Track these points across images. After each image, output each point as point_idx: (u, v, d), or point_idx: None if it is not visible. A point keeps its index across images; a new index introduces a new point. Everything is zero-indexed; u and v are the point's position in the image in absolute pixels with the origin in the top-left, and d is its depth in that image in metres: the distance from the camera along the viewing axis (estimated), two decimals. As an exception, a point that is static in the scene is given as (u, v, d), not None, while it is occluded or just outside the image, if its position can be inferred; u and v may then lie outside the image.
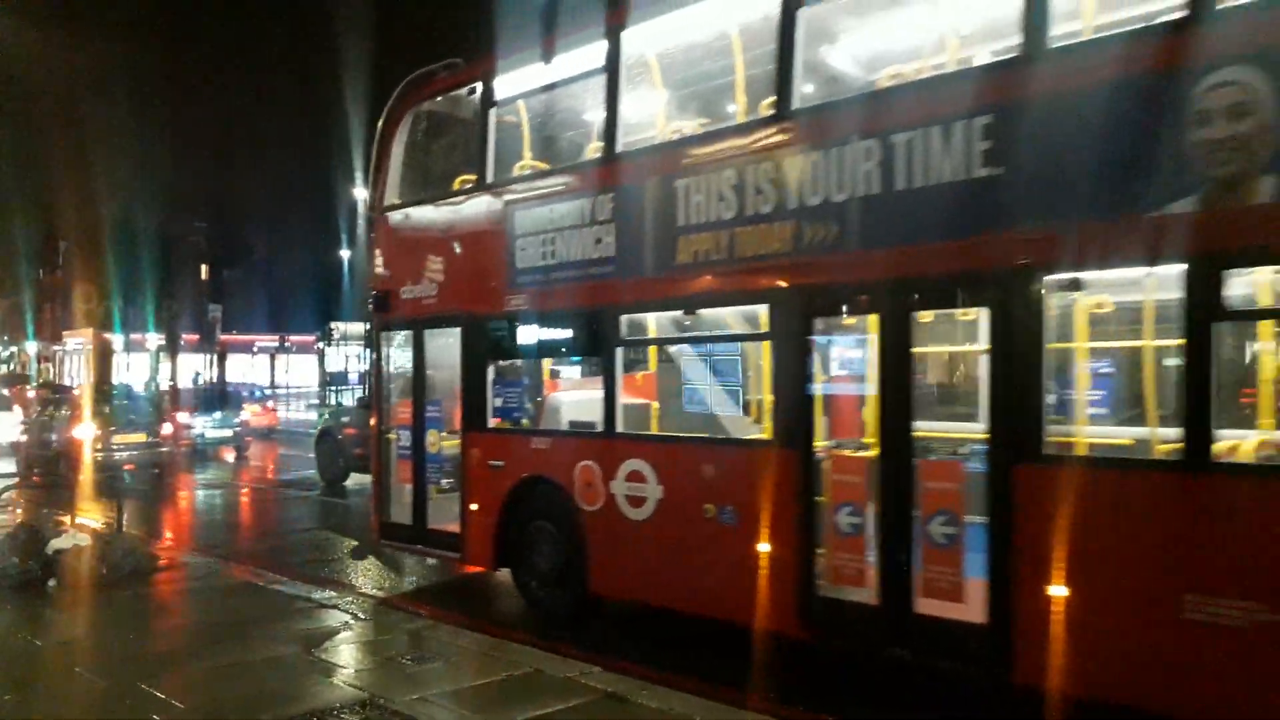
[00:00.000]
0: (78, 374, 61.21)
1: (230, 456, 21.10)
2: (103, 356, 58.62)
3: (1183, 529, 4.14)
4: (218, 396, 25.37)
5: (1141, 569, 4.24)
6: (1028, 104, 4.64)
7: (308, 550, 10.03)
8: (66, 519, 9.27)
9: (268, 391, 35.40)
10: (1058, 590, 4.43)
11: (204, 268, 49.72)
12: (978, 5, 5.28)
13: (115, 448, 15.51)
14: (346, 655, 5.89)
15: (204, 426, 21.64)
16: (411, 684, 5.19)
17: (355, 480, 14.73)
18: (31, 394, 23.99)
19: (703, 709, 4.75)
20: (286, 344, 58.72)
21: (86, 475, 12.51)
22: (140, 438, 16.19)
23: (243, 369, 57.59)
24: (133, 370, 56.13)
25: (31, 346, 74.15)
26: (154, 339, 56.05)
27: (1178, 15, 4.22)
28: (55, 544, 7.93)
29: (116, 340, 57.00)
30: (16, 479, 13.87)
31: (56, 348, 68.75)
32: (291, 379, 56.32)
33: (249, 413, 24.88)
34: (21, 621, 6.80)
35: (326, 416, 17.79)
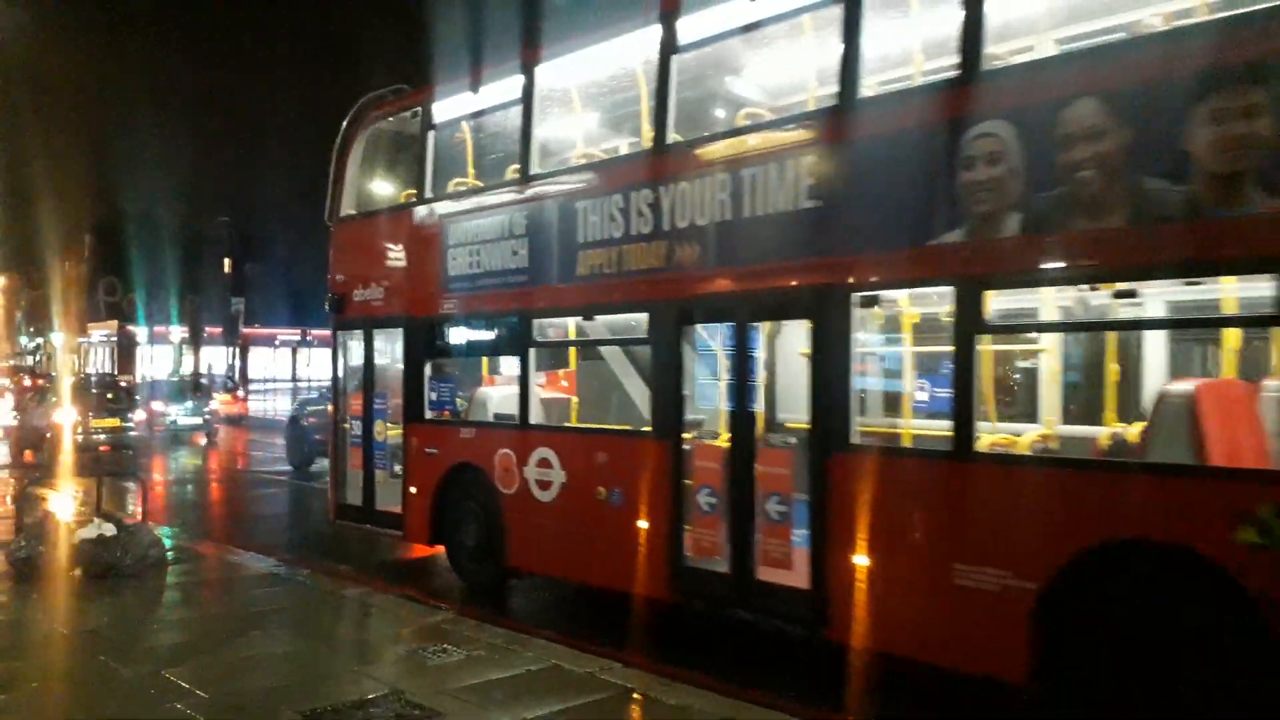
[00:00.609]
0: (102, 365, 62.55)
1: (202, 441, 22.98)
2: (126, 348, 59.96)
3: (952, 509, 5.00)
4: (190, 387, 27.29)
5: (922, 542, 5.10)
6: (839, 147, 5.49)
7: (326, 542, 10.04)
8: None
9: (237, 382, 37.89)
10: (861, 560, 5.30)
11: (227, 261, 50.69)
12: (805, 61, 6.09)
13: (93, 431, 17.28)
14: (368, 647, 6.04)
15: (176, 414, 23.61)
16: (432, 677, 5.22)
17: (319, 465, 16.01)
18: (28, 383, 25.70)
19: (722, 706, 4.77)
20: (308, 338, 60.15)
21: (67, 455, 13.73)
22: (114, 423, 18.03)
23: (265, 362, 58.89)
24: (156, 362, 57.35)
25: (58, 338, 75.62)
26: (177, 331, 57.31)
27: (951, 75, 5.05)
28: (81, 533, 7.92)
29: (140, 332, 58.26)
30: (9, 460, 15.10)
31: (82, 340, 69.93)
32: (313, 372, 57.65)
33: (218, 402, 27.02)
34: (47, 610, 6.92)
35: (297, 406, 19.22)
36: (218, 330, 52.34)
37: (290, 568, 8.24)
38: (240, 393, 33.10)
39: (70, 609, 6.97)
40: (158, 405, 22.51)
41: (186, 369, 49.64)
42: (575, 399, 7.61)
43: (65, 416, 16.44)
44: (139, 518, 8.85)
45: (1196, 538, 4.11)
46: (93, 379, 23.06)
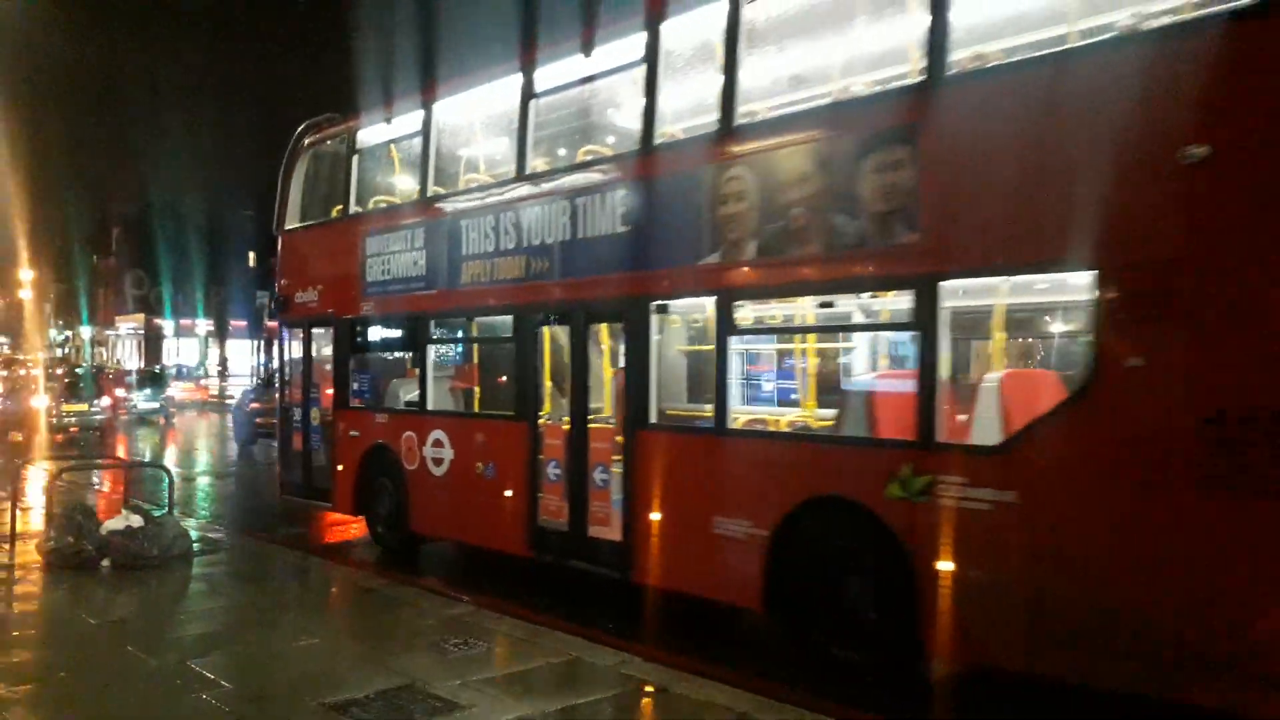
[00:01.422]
0: (129, 358, 64.49)
1: (160, 423, 27.00)
2: (153, 341, 61.87)
3: (712, 473, 6.37)
4: (150, 376, 31.35)
5: (693, 500, 6.46)
6: (640, 183, 6.85)
7: (337, 532, 10.47)
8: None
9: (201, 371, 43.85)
10: (653, 516, 6.68)
11: (252, 255, 52.27)
12: (625, 109, 7.41)
13: (64, 414, 20.11)
14: (389, 639, 6.08)
15: (137, 400, 27.61)
16: (453, 669, 5.29)
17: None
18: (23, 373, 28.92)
19: (742, 701, 4.84)
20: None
21: (41, 435, 15.87)
22: (83, 407, 20.75)
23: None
24: (182, 354, 59.15)
25: (86, 331, 77.63)
26: (203, 325, 59.07)
27: (715, 127, 6.40)
28: (109, 525, 8.12)
29: (167, 325, 60.10)
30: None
31: (109, 332, 71.69)
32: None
33: (181, 389, 32.32)
34: (76, 600, 7.09)
35: (242, 395, 22.50)
36: (243, 323, 53.91)
37: (315, 559, 8.60)
38: (204, 381, 37.81)
39: (98, 599, 7.16)
40: (121, 392, 25.52)
41: (212, 361, 51.78)
42: (465, 388, 9.03)
43: (40, 402, 18.92)
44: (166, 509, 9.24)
45: (864, 493, 5.46)
46: (65, 369, 26.28)
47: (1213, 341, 4.23)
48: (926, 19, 5.26)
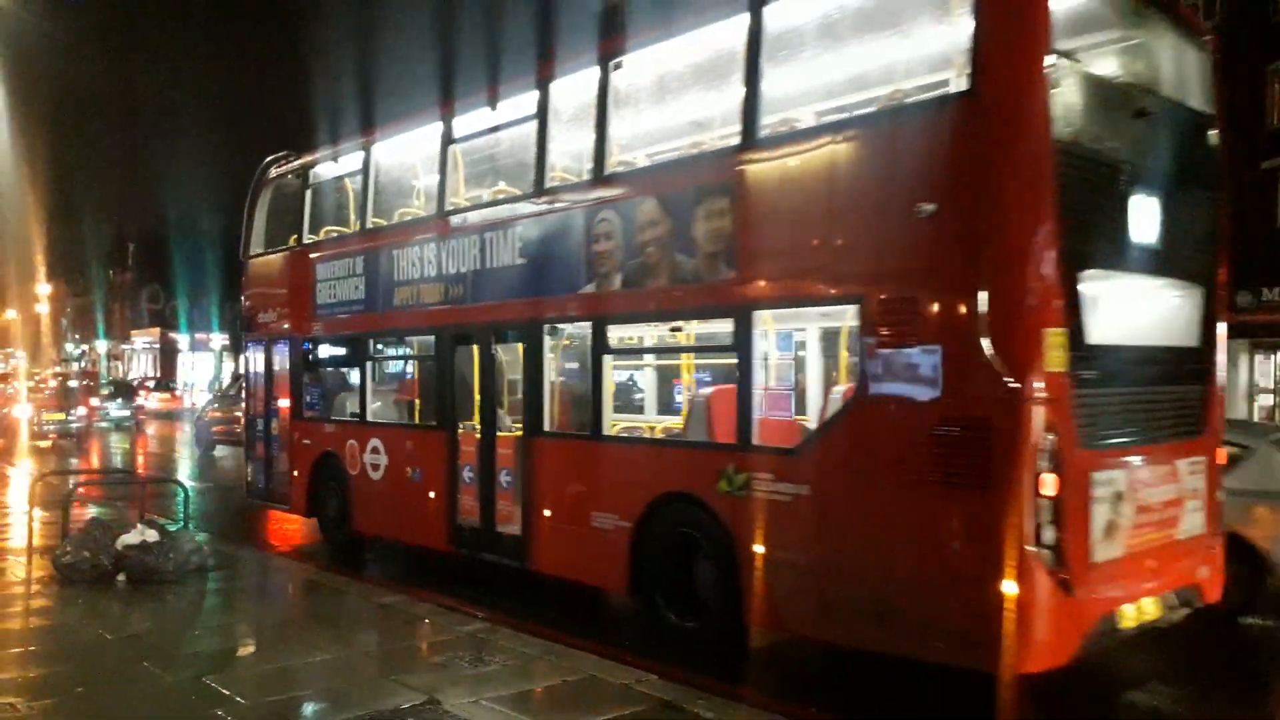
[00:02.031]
0: (145, 371, 65.90)
1: (131, 427, 30.51)
2: (168, 355, 63.24)
3: (590, 473, 7.43)
4: (122, 387, 35.72)
5: (575, 497, 7.52)
6: (533, 221, 7.93)
7: (356, 550, 10.46)
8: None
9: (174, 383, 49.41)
10: (546, 512, 7.74)
11: None
12: (521, 157, 8.46)
13: (45, 422, 23.19)
14: (406, 656, 6.17)
15: (111, 409, 31.10)
16: (469, 686, 5.33)
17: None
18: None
19: None
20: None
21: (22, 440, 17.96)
22: (61, 416, 23.72)
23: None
24: (198, 368, 60.49)
25: (102, 345, 79.12)
26: (218, 339, 60.37)
27: (588, 176, 7.47)
28: (125, 539, 8.17)
29: (182, 340, 61.49)
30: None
31: (125, 346, 73.07)
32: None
33: (156, 399, 37.55)
34: (92, 616, 7.12)
35: (202, 406, 25.74)
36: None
37: (329, 575, 8.58)
38: (178, 392, 42.63)
39: (114, 614, 7.22)
40: (96, 401, 28.72)
41: (227, 375, 53.37)
42: (397, 401, 10.12)
43: (22, 411, 20.84)
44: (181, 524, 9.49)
45: (702, 489, 6.50)
46: (50, 380, 29.73)
47: (937, 360, 5.27)
48: (741, 91, 6.33)
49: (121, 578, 8.01)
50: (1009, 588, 4.93)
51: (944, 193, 5.22)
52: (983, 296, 5.05)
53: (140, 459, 22.33)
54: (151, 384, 45.65)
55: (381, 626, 6.87)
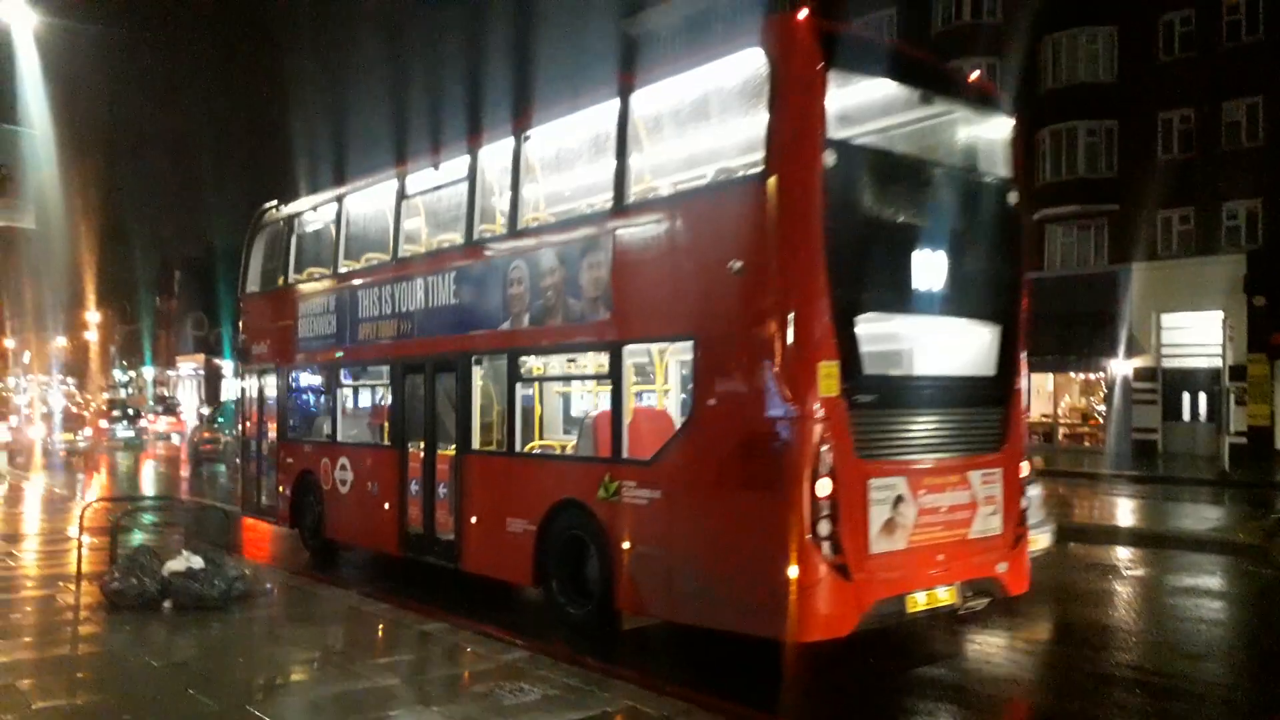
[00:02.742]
0: (189, 397, 68.59)
1: (137, 446, 34.15)
2: (211, 380, 65.77)
3: (506, 485, 8.77)
4: (127, 410, 39.28)
5: (493, 506, 8.85)
6: (464, 267, 9.35)
7: (393, 576, 10.67)
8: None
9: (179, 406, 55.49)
10: (472, 519, 9.08)
11: None
12: (454, 216, 9.88)
13: (57, 442, 26.74)
14: (446, 684, 6.30)
15: (117, 430, 34.76)
16: (509, 716, 5.46)
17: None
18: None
19: None
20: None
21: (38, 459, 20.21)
22: (71, 436, 27.74)
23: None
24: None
25: (148, 371, 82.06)
26: None
27: (502, 231, 8.88)
28: (171, 566, 8.34)
29: (226, 365, 64.08)
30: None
31: (170, 372, 75.84)
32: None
33: (165, 422, 41.30)
34: (139, 642, 7.26)
35: (194, 428, 29.84)
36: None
37: (372, 603, 8.70)
38: (182, 415, 46.37)
39: (160, 641, 7.36)
40: (104, 423, 32.75)
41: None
42: (362, 424, 11.57)
43: (37, 433, 23.40)
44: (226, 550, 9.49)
45: (587, 496, 7.81)
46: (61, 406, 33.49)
47: (744, 387, 6.56)
48: (613, 162, 7.71)
49: (168, 604, 8.17)
50: (792, 572, 6.17)
51: (747, 253, 6.54)
52: (774, 337, 6.35)
53: (141, 477, 24.83)
54: (161, 408, 51.11)
55: (421, 654, 6.99)
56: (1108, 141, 29.25)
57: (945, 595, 6.92)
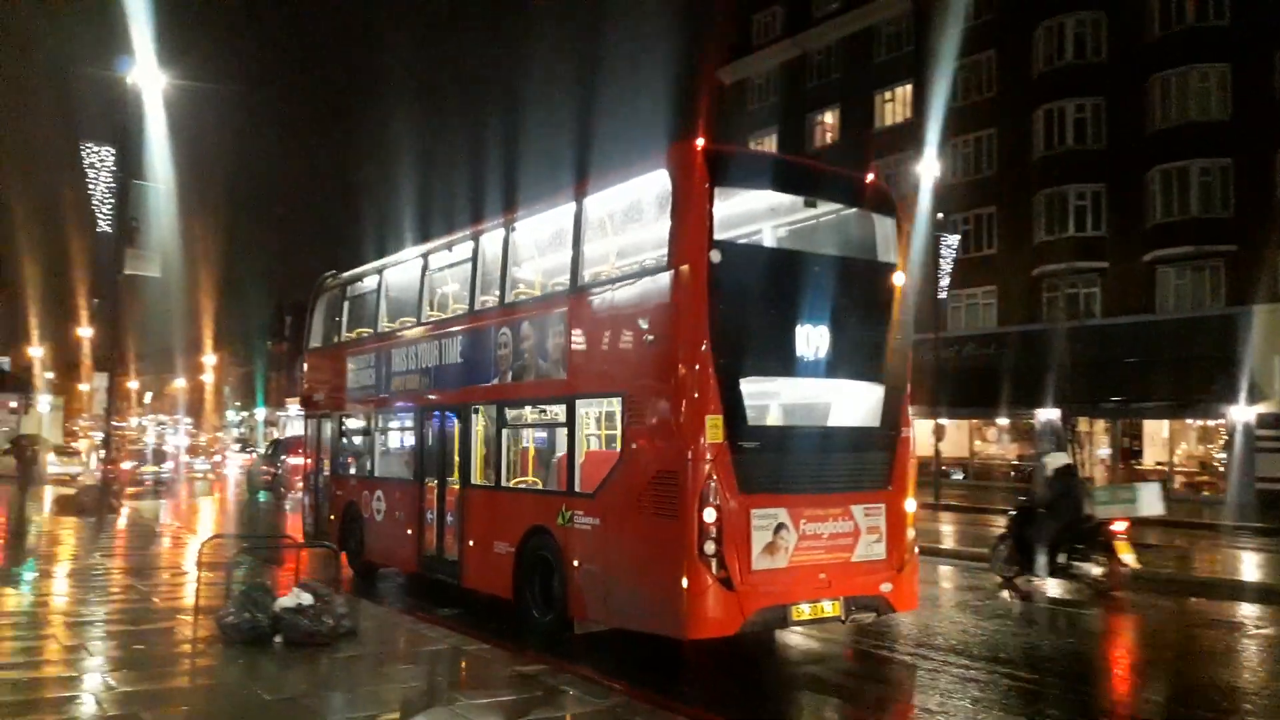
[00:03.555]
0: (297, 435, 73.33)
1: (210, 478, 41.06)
2: None
3: (494, 514, 10.64)
4: (201, 447, 44.89)
5: (486, 531, 10.71)
6: (465, 333, 11.34)
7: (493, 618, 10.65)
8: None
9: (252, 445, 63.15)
10: (470, 542, 10.96)
11: None
12: (462, 289, 11.89)
13: (143, 473, 34.35)
14: None
15: (195, 463, 42.96)
16: None
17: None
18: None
19: None
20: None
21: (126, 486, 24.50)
22: (154, 468, 36.06)
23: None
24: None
25: (260, 412, 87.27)
26: None
27: (492, 303, 10.84)
28: (281, 602, 8.63)
29: None
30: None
31: (280, 413, 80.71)
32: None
33: (243, 458, 48.24)
34: (252, 675, 7.58)
35: (253, 462, 36.82)
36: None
37: (473, 642, 8.91)
38: (253, 452, 52.45)
39: (271, 675, 7.67)
40: (185, 458, 40.73)
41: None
42: (395, 462, 13.63)
43: (128, 465, 28.29)
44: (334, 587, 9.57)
45: (550, 523, 9.60)
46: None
47: (655, 435, 8.29)
48: (570, 252, 9.59)
49: (278, 639, 8.48)
50: (684, 583, 7.83)
51: (656, 328, 8.32)
52: (675, 395, 8.08)
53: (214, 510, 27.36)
54: (239, 447, 59.28)
55: (523, 695, 7.10)
56: (1223, 180, 28.89)
57: (830, 609, 8.45)
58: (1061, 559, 12.98)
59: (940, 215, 29.56)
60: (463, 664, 8.31)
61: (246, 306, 78.63)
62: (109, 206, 20.63)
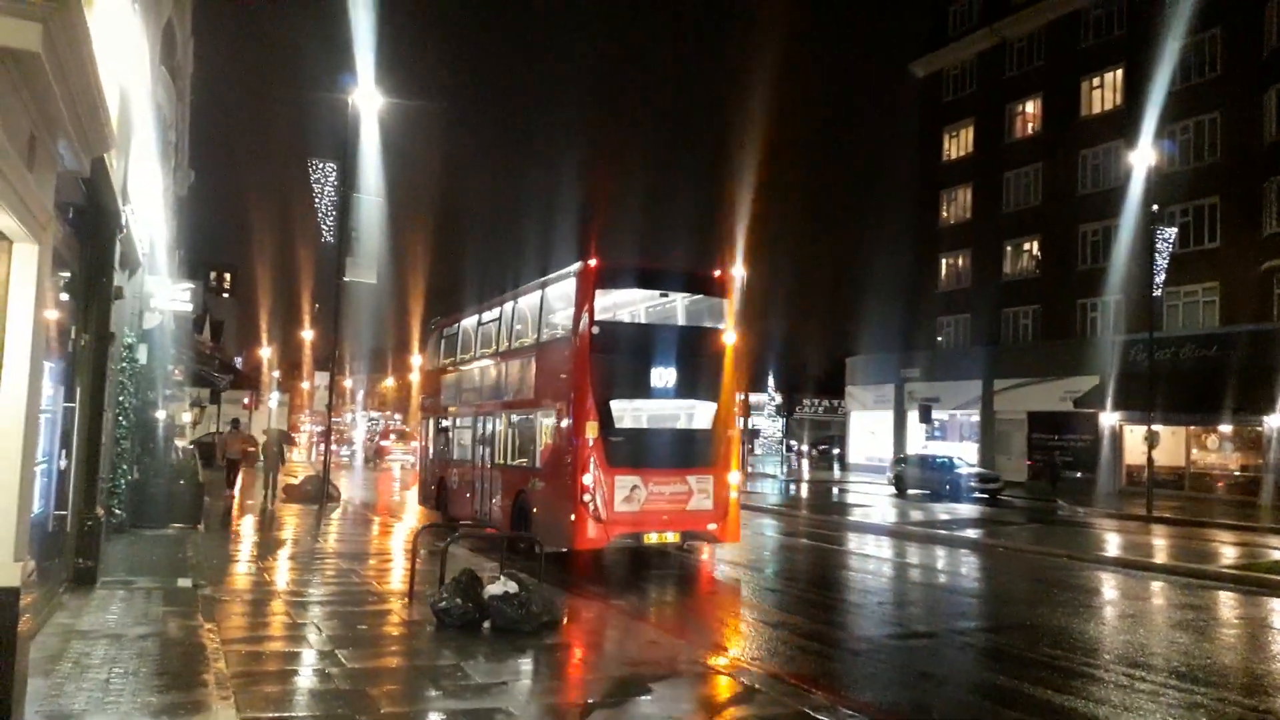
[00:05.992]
0: None
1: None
2: None
3: (506, 481, 17.07)
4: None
5: (502, 491, 17.13)
6: (497, 364, 17.84)
7: (682, 612, 11.75)
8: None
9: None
10: (494, 499, 17.43)
11: None
12: (506, 328, 18.34)
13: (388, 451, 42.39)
14: None
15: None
16: None
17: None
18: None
19: None
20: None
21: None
22: (402, 445, 45.27)
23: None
24: None
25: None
26: None
27: (503, 349, 17.28)
28: (490, 590, 9.04)
29: None
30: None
31: None
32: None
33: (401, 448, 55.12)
34: (462, 659, 8.09)
35: (369, 439, 48.91)
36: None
37: (668, 638, 9.16)
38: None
39: (480, 660, 8.08)
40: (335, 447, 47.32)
41: None
42: (464, 448, 20.33)
43: (297, 455, 37.41)
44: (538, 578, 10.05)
45: (525, 488, 15.90)
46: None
47: (565, 433, 14.42)
48: (537, 316, 15.85)
49: (486, 625, 8.91)
50: (574, 516, 13.91)
51: (565, 369, 14.45)
52: (574, 408, 14.19)
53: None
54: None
55: (719, 693, 7.39)
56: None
57: (672, 537, 14.32)
58: None
59: (1154, 207, 28.90)
60: (659, 657, 8.42)
61: (407, 322, 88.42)
62: (331, 219, 21.78)
